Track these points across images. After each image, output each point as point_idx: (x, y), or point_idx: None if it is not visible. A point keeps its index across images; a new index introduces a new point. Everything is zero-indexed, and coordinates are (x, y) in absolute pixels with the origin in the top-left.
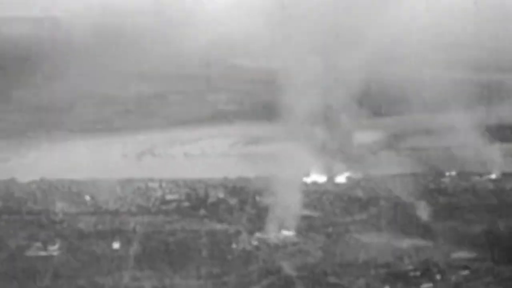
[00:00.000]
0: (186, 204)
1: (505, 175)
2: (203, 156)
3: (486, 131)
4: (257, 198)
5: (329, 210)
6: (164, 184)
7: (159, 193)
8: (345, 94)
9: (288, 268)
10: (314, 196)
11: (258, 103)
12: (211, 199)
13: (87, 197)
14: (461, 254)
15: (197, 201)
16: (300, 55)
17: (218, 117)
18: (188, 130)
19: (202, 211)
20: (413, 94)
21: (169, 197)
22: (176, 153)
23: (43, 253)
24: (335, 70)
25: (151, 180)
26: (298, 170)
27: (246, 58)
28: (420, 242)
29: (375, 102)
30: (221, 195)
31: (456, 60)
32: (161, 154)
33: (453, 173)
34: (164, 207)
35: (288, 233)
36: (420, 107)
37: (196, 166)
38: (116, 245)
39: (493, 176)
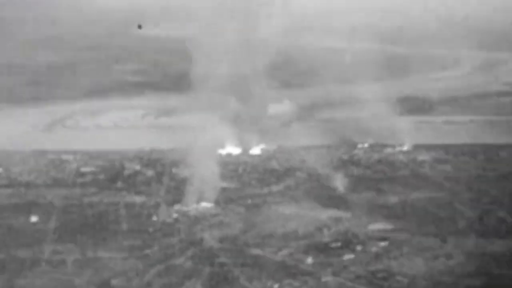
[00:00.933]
0: (102, 176)
1: (416, 147)
2: (115, 127)
3: (397, 103)
4: (174, 170)
5: (246, 182)
6: (78, 156)
7: (73, 165)
8: (257, 65)
9: (210, 239)
10: (230, 168)
11: (167, 74)
12: (127, 171)
13: (0, 169)
14: (379, 225)
15: (114, 173)
16: (210, 25)
17: (127, 88)
18: (97, 101)
19: (119, 184)
20: (324, 66)
21: (84, 169)
22: (87, 125)
23: None
24: (247, 41)
25: (65, 152)
26: (212, 141)
27: (155, 27)
28: (338, 213)
29: (284, 73)
30: (137, 167)
31: (368, 30)
32: (73, 126)
33: (366, 145)
34: (80, 180)
35: (207, 205)
36: (331, 78)
37: (109, 138)
38: (34, 218)
39: (405, 148)
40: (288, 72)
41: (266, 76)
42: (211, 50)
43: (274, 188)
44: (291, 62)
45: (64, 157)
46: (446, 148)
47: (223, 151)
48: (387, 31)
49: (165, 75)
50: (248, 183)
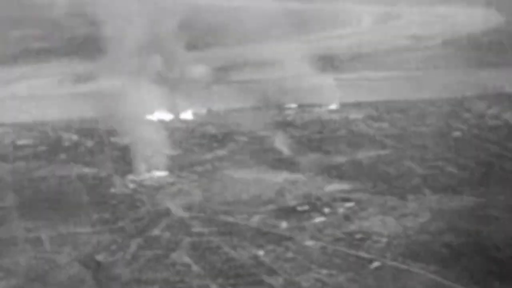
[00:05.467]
0: (43, 148)
1: (343, 105)
2: (32, 97)
3: (309, 62)
4: (112, 139)
5: (187, 148)
6: (8, 129)
7: (7, 138)
8: (168, 26)
9: (176, 209)
10: (167, 134)
11: (72, 38)
12: (66, 143)
13: None
14: (335, 187)
15: (53, 145)
16: None
17: (33, 55)
18: (4, 71)
19: (63, 156)
20: (228, 26)
21: (21, 142)
22: (2, 95)
23: None
24: (152, 1)
25: None
26: (141, 107)
27: None
28: (291, 176)
29: (192, 34)
30: (74, 137)
31: None
32: None
33: (293, 105)
34: (20, 153)
35: (160, 174)
36: (238, 39)
37: (31, 107)
38: None
39: (333, 107)
40: (195, 33)
41: (178, 37)
42: (117, 11)
43: (219, 153)
44: (196, 23)
45: None
46: (374, 105)
47: (153, 117)
48: None
49: (70, 39)
50: (190, 149)
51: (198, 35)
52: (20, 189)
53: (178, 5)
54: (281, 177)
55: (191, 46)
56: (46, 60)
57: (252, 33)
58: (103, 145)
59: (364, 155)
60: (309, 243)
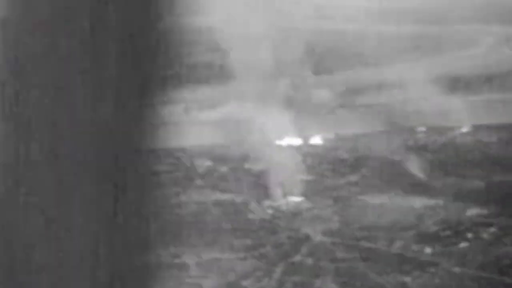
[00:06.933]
0: (178, 175)
1: (476, 128)
2: (164, 124)
3: (436, 83)
4: (246, 165)
5: (320, 173)
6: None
7: None
8: (295, 50)
9: (316, 235)
10: (299, 160)
11: (197, 65)
12: (200, 169)
13: None
14: (476, 211)
15: (189, 171)
16: (238, 11)
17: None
18: None
19: (198, 181)
20: (357, 48)
21: (157, 168)
22: None
23: None
24: (278, 25)
25: None
26: (270, 133)
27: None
28: (428, 201)
29: (319, 57)
30: (208, 163)
31: (394, 11)
32: None
33: (423, 128)
34: (157, 179)
35: (296, 199)
36: (365, 61)
37: (160, 134)
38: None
39: (464, 129)
40: (320, 56)
41: (304, 61)
42: (243, 36)
43: (351, 178)
44: (320, 47)
45: None
46: (508, 127)
47: (282, 143)
48: (420, 9)
49: (194, 66)
50: (322, 174)
51: (322, 59)
52: (157, 215)
53: (302, 30)
54: (419, 202)
55: (316, 69)
56: (171, 87)
57: (376, 56)
58: (236, 171)
59: (503, 179)
60: (456, 269)
